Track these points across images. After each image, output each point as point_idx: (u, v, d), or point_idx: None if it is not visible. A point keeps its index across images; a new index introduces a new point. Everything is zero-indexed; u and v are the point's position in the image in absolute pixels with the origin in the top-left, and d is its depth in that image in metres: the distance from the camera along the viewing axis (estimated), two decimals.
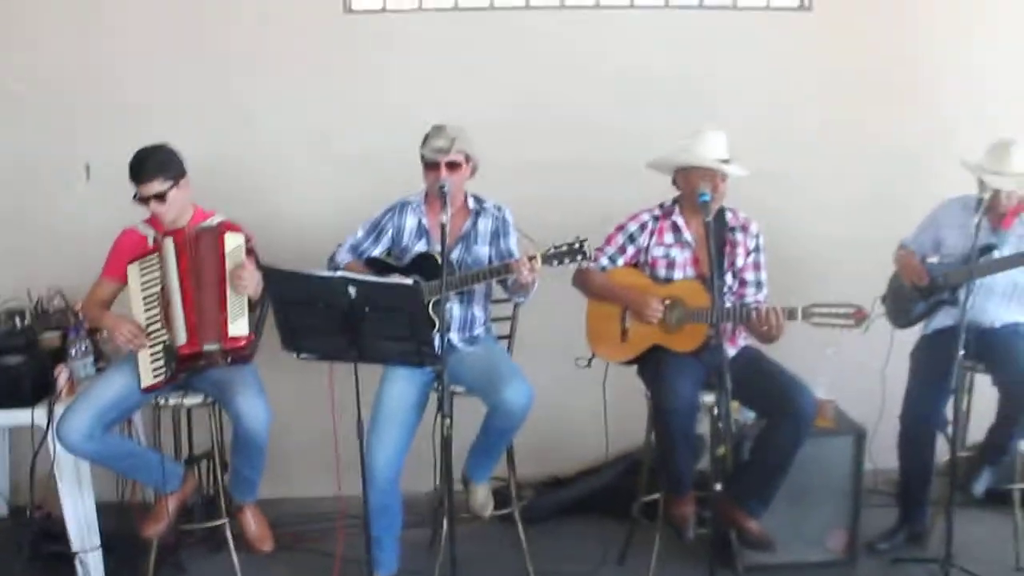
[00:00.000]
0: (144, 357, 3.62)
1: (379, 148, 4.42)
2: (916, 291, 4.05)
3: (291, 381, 4.27)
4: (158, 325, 3.63)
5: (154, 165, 3.63)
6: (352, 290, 3.02)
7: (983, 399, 4.01)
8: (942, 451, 4.02)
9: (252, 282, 3.59)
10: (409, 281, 3.08)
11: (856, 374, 4.13)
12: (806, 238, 4.60)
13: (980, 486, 3.97)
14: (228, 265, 3.61)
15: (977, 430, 4.00)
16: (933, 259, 4.05)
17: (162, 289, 3.63)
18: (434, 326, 3.44)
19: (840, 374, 4.01)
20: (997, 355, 3.88)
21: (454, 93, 4.48)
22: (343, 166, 4.55)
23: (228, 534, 3.83)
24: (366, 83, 4.57)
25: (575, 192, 4.47)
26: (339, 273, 3.19)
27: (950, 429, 3.91)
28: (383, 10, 4.62)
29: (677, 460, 3.59)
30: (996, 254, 3.88)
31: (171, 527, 3.82)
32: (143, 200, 3.67)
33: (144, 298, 3.66)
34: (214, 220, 3.77)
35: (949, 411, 3.85)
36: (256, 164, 4.51)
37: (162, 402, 3.74)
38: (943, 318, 4.04)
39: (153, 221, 3.76)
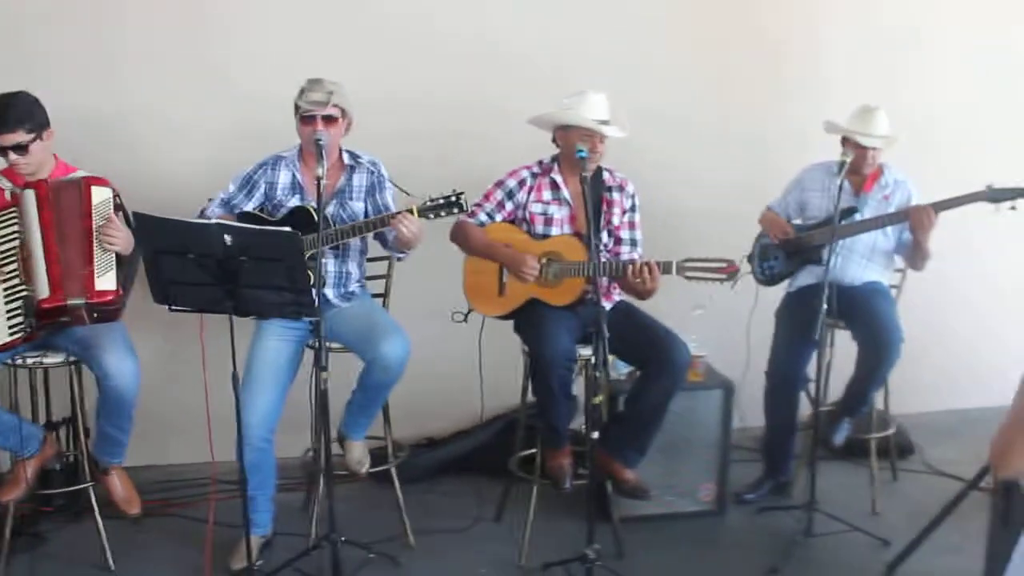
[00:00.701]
0: None
1: (252, 102, 4.28)
2: (782, 248, 4.21)
3: (160, 344, 4.15)
4: (16, 280, 3.46)
5: (17, 115, 3.44)
6: (228, 238, 2.94)
7: (841, 355, 4.18)
8: (805, 405, 4.20)
9: (122, 238, 3.47)
10: (287, 229, 3.00)
11: (723, 332, 4.25)
12: (678, 201, 4.66)
13: (839, 437, 4.18)
14: (95, 219, 3.46)
15: (836, 385, 4.17)
16: (797, 221, 4.23)
17: (21, 243, 3.45)
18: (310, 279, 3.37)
19: (708, 332, 4.12)
20: (857, 312, 4.06)
21: (331, 44, 4.35)
22: (213, 121, 4.37)
23: (93, 499, 3.67)
24: (239, 36, 4.39)
25: (449, 155, 4.45)
26: (214, 220, 3.09)
27: (811, 387, 4.06)
28: None
29: (555, 412, 3.63)
30: (857, 217, 4.06)
31: (29, 493, 3.66)
32: (1, 151, 3.49)
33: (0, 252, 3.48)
34: (77, 175, 3.61)
35: (811, 370, 4.01)
36: (121, 117, 4.28)
37: (19, 361, 3.57)
38: (806, 276, 4.20)
39: (8, 172, 3.57)
